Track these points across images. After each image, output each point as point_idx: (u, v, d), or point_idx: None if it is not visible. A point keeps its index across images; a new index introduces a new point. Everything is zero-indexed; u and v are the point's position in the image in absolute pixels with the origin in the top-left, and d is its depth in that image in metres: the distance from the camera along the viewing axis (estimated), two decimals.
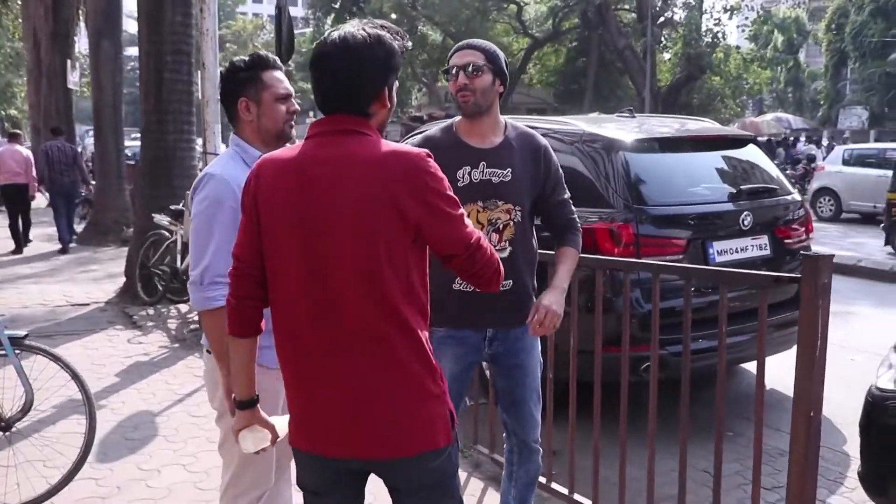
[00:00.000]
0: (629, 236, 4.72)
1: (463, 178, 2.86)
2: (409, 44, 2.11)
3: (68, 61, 16.38)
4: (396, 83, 2.07)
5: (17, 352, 3.95)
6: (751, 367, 5.73)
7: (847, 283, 9.88)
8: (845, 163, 17.20)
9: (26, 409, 3.96)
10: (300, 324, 1.99)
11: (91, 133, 22.43)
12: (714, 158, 5.57)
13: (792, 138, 27.93)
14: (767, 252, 5.13)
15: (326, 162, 1.93)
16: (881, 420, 3.57)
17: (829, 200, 17.13)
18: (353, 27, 1.97)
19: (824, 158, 20.17)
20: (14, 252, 12.21)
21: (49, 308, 8.28)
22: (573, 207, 3.07)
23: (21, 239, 12.41)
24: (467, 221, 2.00)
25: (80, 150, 15.72)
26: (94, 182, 14.62)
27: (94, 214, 13.85)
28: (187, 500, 3.92)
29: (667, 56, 33.58)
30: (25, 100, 22.18)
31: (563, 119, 5.84)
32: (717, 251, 4.95)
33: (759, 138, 27.24)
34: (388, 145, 1.96)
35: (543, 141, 3.04)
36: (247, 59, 2.71)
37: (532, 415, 3.11)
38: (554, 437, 3.90)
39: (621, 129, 5.24)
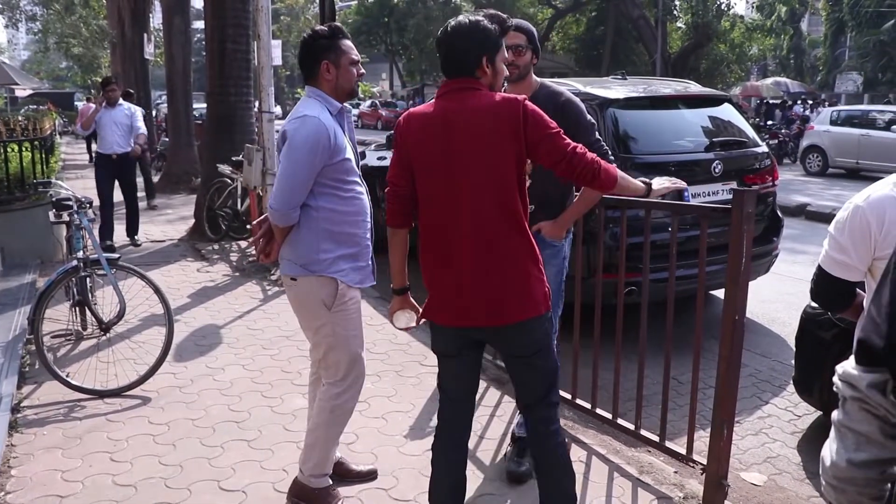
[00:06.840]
0: None
1: None
2: (510, 24, 2.52)
3: (145, 35, 16.66)
4: (501, 55, 2.43)
5: (112, 270, 4.36)
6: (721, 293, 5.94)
7: (823, 230, 9.99)
8: (833, 123, 16.91)
9: (121, 315, 4.41)
10: (446, 228, 2.35)
11: (164, 97, 22.88)
12: (691, 115, 5.75)
13: (789, 102, 27.39)
14: None
15: (460, 111, 2.31)
16: (811, 333, 3.83)
17: (818, 157, 16.88)
18: (463, 17, 2.40)
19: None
20: None
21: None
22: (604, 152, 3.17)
23: None
24: (564, 137, 2.34)
25: (154, 112, 16.52)
26: (167, 138, 15.25)
27: (167, 167, 14.25)
28: (245, 390, 4.32)
29: (678, 24, 32.94)
30: (109, 69, 22.51)
31: (563, 81, 6.04)
32: (692, 194, 5.17)
33: (761, 100, 26.94)
34: (498, 95, 2.35)
35: (566, 97, 3.19)
36: (326, 28, 2.81)
37: None
38: None
39: (612, 89, 5.45)
